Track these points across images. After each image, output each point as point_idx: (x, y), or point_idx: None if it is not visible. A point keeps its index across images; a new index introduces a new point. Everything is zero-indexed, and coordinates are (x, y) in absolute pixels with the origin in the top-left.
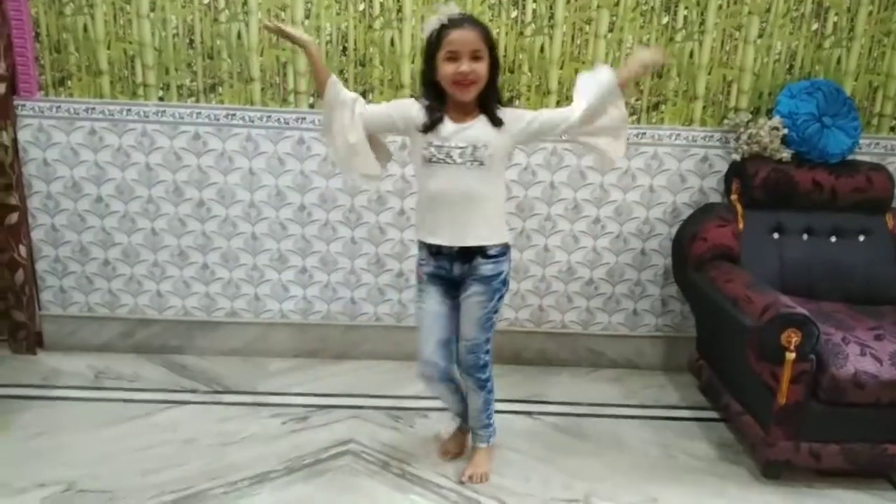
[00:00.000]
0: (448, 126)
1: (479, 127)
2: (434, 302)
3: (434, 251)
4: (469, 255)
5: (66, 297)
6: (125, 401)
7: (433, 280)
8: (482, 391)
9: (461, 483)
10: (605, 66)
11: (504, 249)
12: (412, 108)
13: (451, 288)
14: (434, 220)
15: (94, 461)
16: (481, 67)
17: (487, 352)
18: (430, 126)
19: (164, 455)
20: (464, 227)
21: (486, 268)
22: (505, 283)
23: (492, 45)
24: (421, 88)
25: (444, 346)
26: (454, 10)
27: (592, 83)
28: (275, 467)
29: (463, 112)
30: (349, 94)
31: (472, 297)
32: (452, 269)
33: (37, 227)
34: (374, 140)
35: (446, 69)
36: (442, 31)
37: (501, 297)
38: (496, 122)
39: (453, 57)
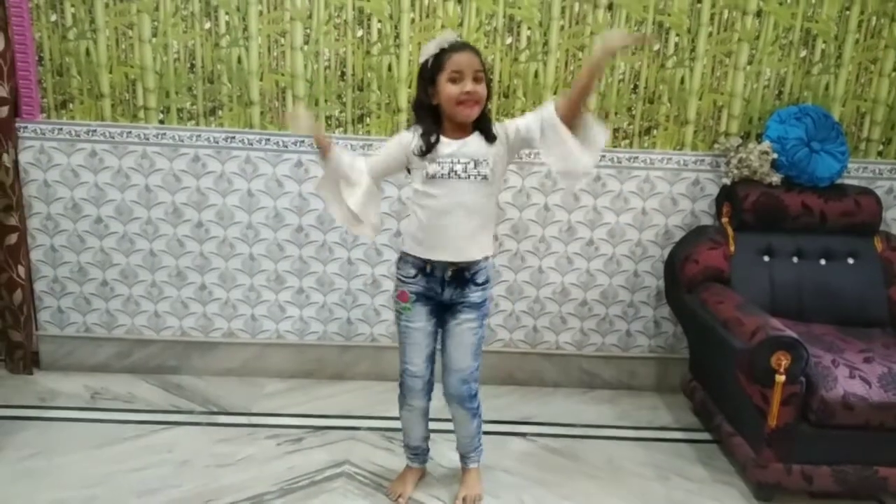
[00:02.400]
0: (446, 144)
1: (475, 143)
2: (422, 320)
3: (427, 272)
4: (461, 280)
5: (63, 317)
6: (121, 422)
7: (421, 299)
8: (475, 418)
9: None
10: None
11: (489, 276)
12: (407, 137)
13: (436, 309)
14: (436, 237)
15: (89, 482)
16: (483, 89)
17: (477, 380)
18: (428, 149)
19: (159, 476)
20: (466, 241)
21: (475, 295)
22: (489, 307)
23: (486, 72)
24: (413, 114)
25: (431, 361)
26: (454, 36)
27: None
28: (269, 489)
29: (459, 131)
30: (347, 163)
31: (465, 323)
32: (443, 292)
33: (36, 247)
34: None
35: (450, 90)
36: (443, 54)
37: (486, 321)
38: (490, 138)
39: (457, 77)
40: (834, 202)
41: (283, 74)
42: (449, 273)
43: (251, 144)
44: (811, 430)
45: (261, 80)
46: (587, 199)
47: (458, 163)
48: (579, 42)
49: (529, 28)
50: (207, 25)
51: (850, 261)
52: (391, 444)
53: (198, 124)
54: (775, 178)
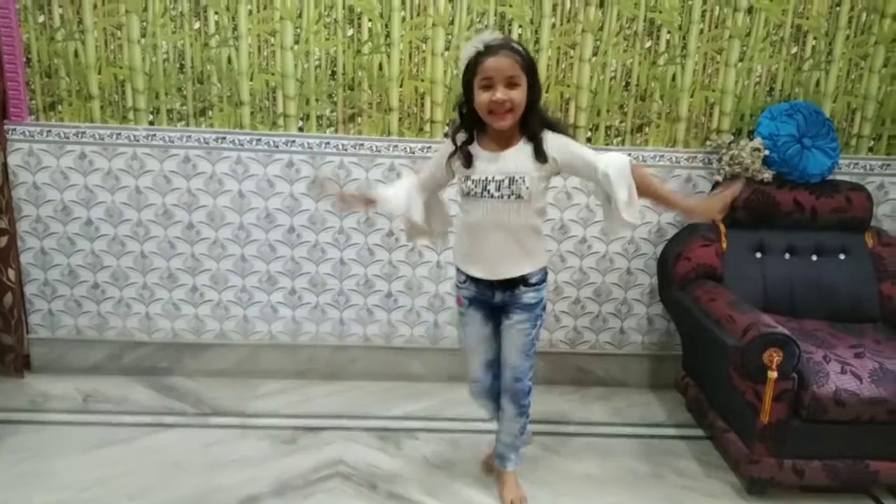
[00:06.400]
0: (485, 157)
1: (517, 157)
2: (477, 325)
3: (475, 278)
4: (511, 283)
5: (54, 319)
6: (113, 424)
7: (474, 304)
8: (522, 417)
9: None
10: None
11: (544, 276)
12: (447, 154)
13: (492, 311)
14: (472, 251)
15: (82, 485)
16: (517, 95)
17: (530, 378)
18: (466, 164)
19: (152, 478)
20: (502, 260)
21: (528, 296)
22: (544, 308)
23: (532, 72)
24: (457, 116)
25: (490, 366)
26: (493, 36)
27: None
28: (263, 490)
29: (502, 140)
30: (402, 192)
31: (516, 325)
32: (494, 295)
33: (26, 250)
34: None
35: (481, 97)
36: (478, 57)
37: (542, 323)
38: (540, 156)
39: (488, 85)
40: (825, 198)
41: (273, 74)
42: (495, 279)
43: (242, 145)
44: (803, 425)
45: (251, 80)
46: (580, 197)
47: (493, 181)
48: (570, 40)
49: (521, 26)
50: (197, 25)
51: (842, 257)
52: (385, 443)
53: (188, 125)
54: (767, 175)
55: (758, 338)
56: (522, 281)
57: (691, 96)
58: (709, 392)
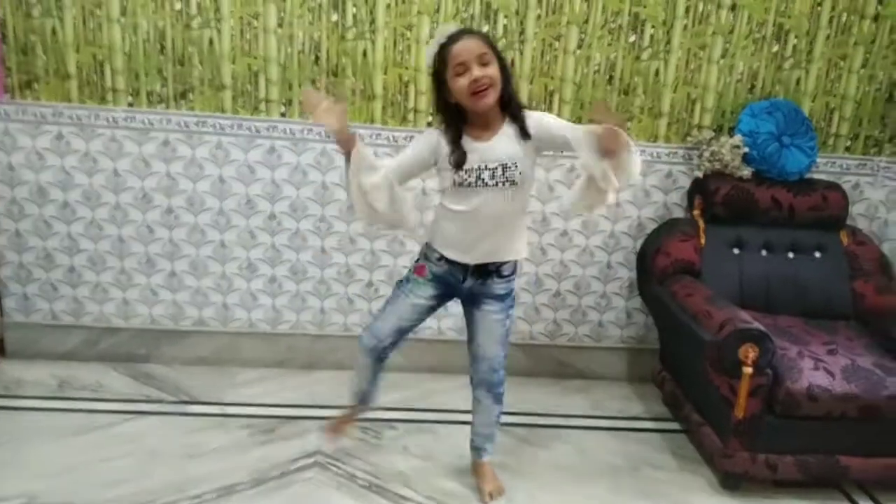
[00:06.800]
0: (473, 147)
1: (504, 142)
2: (422, 297)
3: (451, 260)
4: (485, 273)
5: (29, 304)
6: (89, 411)
7: (436, 280)
8: (498, 405)
9: (484, 503)
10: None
11: (515, 267)
12: (435, 138)
13: (448, 295)
14: (459, 238)
15: (55, 473)
16: (492, 71)
17: (504, 367)
18: (459, 163)
19: (127, 467)
20: (491, 247)
21: (499, 286)
22: (515, 297)
23: (496, 50)
24: (437, 117)
25: (398, 334)
26: (450, 28)
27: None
28: (241, 480)
29: (486, 126)
30: (370, 164)
31: (491, 315)
32: (464, 281)
33: (0, 232)
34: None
35: (459, 83)
36: (443, 50)
37: (514, 311)
38: (524, 134)
39: (462, 70)
40: (802, 196)
41: (255, 58)
42: (472, 265)
43: (223, 129)
44: (776, 420)
45: (233, 63)
46: (561, 189)
47: (486, 169)
48: (556, 32)
49: (506, 16)
50: (178, 6)
51: (817, 254)
52: (364, 434)
53: (168, 107)
54: (746, 172)
55: (734, 333)
56: (496, 272)
57: (674, 92)
58: (685, 386)
